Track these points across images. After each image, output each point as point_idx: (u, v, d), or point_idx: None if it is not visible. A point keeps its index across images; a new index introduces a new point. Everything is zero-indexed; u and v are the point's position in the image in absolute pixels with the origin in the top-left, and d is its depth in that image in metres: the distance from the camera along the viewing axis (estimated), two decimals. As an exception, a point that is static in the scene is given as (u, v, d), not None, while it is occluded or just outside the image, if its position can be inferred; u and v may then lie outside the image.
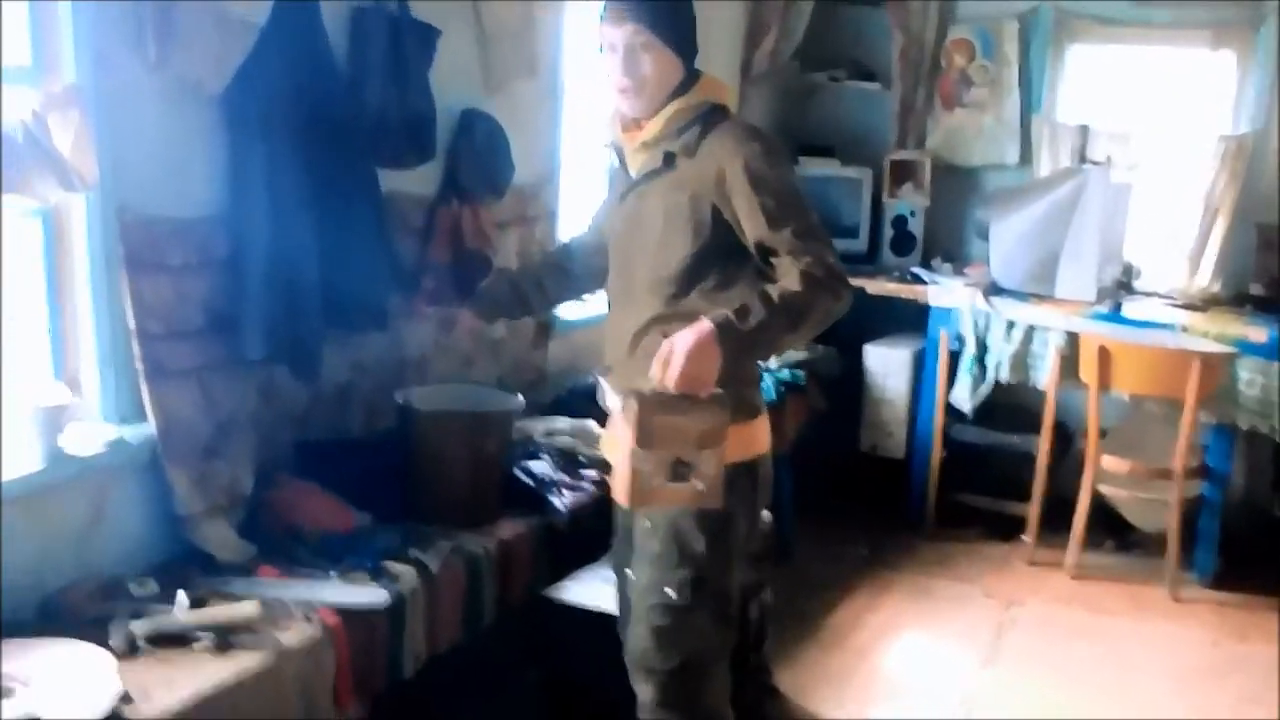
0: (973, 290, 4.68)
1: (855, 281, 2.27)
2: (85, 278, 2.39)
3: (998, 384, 4.66)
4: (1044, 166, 5.00)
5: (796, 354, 4.34)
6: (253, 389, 2.70)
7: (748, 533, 2.41)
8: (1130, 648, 3.96)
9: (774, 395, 4.04)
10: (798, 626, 3.87)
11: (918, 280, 4.90)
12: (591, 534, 2.92)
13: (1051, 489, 4.61)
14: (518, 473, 3.07)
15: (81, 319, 2.41)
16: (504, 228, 3.51)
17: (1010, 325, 4.59)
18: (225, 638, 2.20)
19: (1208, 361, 4.14)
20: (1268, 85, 4.67)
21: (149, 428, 2.45)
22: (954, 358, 4.74)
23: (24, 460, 2.27)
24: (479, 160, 3.32)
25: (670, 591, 2.31)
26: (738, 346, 2.06)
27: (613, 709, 2.50)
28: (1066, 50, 5.07)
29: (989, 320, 4.64)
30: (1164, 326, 4.38)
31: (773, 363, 4.19)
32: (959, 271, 5.00)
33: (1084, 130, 4.92)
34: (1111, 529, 4.72)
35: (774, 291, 2.11)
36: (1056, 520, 4.53)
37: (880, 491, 4.93)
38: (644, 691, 2.37)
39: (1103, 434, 4.42)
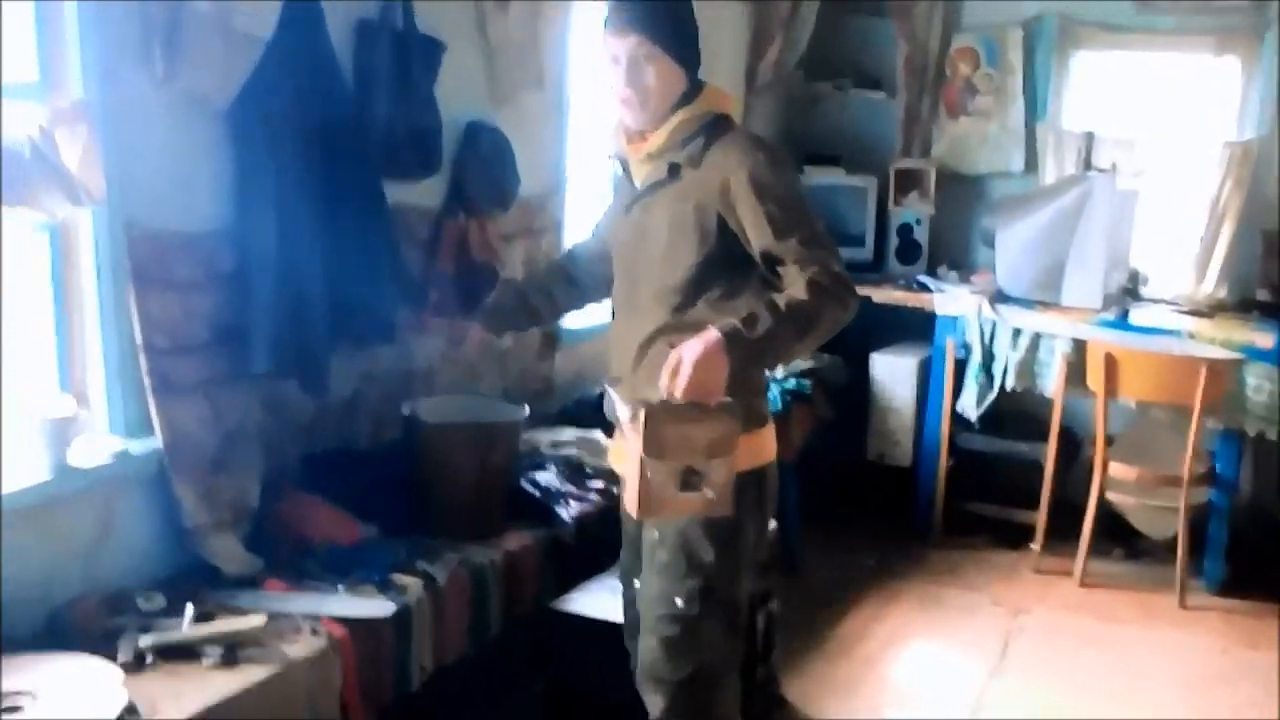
0: (979, 298, 4.67)
1: (861, 290, 2.26)
2: (92, 292, 2.40)
3: (1004, 392, 4.64)
4: (1049, 174, 4.99)
5: (802, 363, 4.33)
6: (259, 402, 2.70)
7: (756, 541, 2.41)
8: (1139, 655, 3.94)
9: (780, 404, 4.03)
10: (805, 636, 3.86)
11: (923, 288, 4.90)
12: (598, 545, 2.92)
13: (1059, 496, 4.59)
14: (524, 484, 3.07)
15: (89, 332, 2.42)
16: (510, 240, 3.51)
17: (1016, 333, 4.59)
18: (232, 651, 2.20)
19: (1215, 368, 4.14)
20: (1272, 91, 4.65)
21: (156, 441, 2.45)
22: (960, 366, 4.73)
23: (31, 472, 2.27)
24: (485, 172, 3.32)
25: (679, 601, 2.31)
26: (746, 355, 2.06)
27: (620, 720, 2.50)
28: (1071, 57, 5.06)
29: (995, 328, 4.63)
30: (1170, 333, 4.37)
31: (779, 372, 4.18)
32: (965, 279, 4.99)
33: (1089, 137, 4.90)
34: (1119, 536, 4.70)
35: (781, 300, 2.11)
36: (1064, 528, 4.51)
37: (887, 500, 4.91)
38: (654, 703, 2.37)
39: (1110, 441, 4.41)
